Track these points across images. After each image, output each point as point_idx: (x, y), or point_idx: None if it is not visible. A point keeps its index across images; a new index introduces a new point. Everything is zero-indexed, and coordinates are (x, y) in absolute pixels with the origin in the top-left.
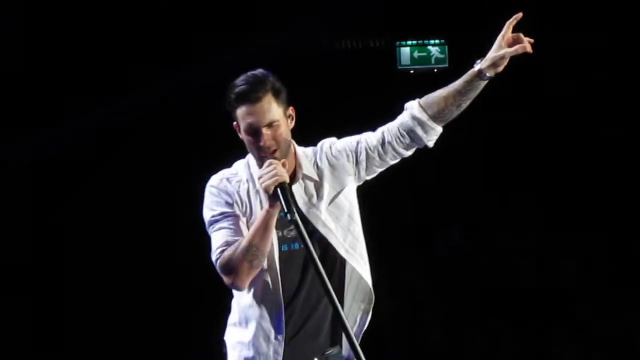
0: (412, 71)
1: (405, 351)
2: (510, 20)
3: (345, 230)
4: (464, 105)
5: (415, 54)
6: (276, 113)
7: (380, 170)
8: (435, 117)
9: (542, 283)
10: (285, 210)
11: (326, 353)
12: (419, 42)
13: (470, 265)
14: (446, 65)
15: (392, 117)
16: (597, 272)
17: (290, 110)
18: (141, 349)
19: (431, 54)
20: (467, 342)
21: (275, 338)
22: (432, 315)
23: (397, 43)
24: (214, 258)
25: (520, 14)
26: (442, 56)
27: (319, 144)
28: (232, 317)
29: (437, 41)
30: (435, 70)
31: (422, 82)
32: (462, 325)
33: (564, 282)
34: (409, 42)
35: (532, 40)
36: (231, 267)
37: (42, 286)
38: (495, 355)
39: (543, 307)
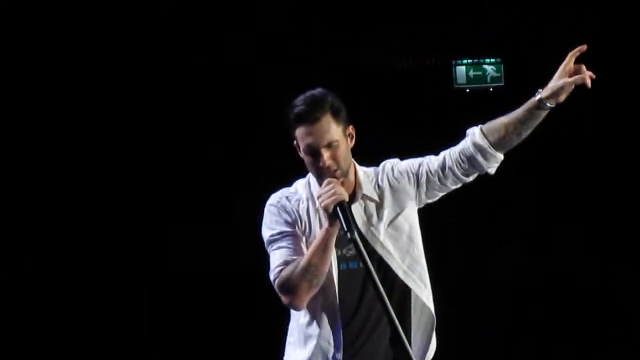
0: (467, 90)
1: None
2: (574, 51)
3: (404, 252)
4: (525, 134)
5: (471, 73)
6: (335, 133)
7: (441, 194)
8: (496, 145)
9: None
10: (345, 229)
11: None
12: (475, 60)
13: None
14: (502, 83)
15: (450, 136)
16: None
17: (350, 129)
18: None
19: (487, 72)
20: (524, 355)
21: (334, 357)
22: (489, 328)
23: (453, 62)
24: (272, 277)
25: (584, 47)
26: (498, 75)
27: (381, 165)
28: (291, 337)
29: (492, 60)
30: (491, 89)
31: (478, 100)
32: (520, 338)
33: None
34: (465, 61)
35: (593, 76)
36: (290, 286)
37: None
38: None
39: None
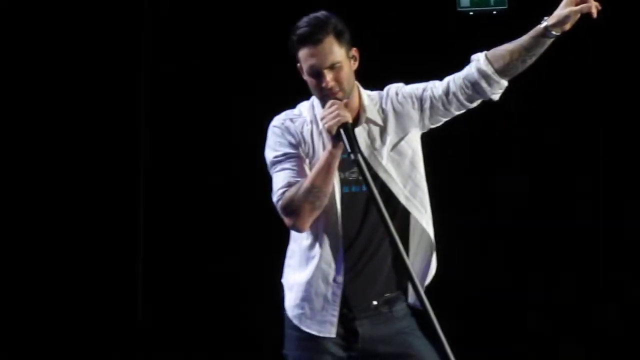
0: (471, 13)
1: (468, 296)
2: None
3: (405, 177)
4: (529, 62)
5: None
6: (338, 54)
7: (444, 119)
8: (500, 71)
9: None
10: (349, 150)
11: (386, 296)
12: None
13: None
14: (505, 6)
15: (452, 59)
16: None
17: (354, 52)
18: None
19: None
20: (531, 287)
21: (334, 280)
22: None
23: None
24: (275, 199)
25: None
26: None
27: (386, 89)
28: (291, 260)
29: None
30: (495, 12)
31: (482, 24)
32: (525, 270)
33: None
34: None
35: (599, 6)
36: (293, 208)
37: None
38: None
39: None
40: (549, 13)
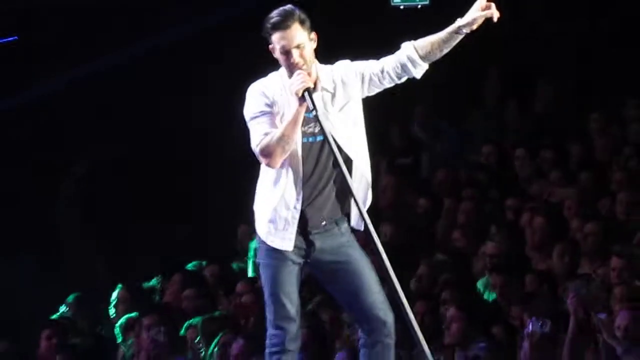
0: (402, 7)
1: None
2: None
3: (349, 131)
4: (445, 51)
5: None
6: (302, 37)
7: (378, 90)
8: (423, 57)
9: None
10: (311, 109)
11: (333, 218)
12: None
13: None
14: (427, 2)
15: (385, 46)
16: None
17: (313, 35)
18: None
19: None
20: None
21: (294, 207)
22: None
23: None
24: (254, 144)
25: None
26: None
27: (336, 64)
28: (261, 191)
29: None
30: (419, 6)
31: (409, 16)
32: None
33: None
34: None
35: (497, 14)
36: (269, 150)
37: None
38: None
39: None
40: (462, 10)
